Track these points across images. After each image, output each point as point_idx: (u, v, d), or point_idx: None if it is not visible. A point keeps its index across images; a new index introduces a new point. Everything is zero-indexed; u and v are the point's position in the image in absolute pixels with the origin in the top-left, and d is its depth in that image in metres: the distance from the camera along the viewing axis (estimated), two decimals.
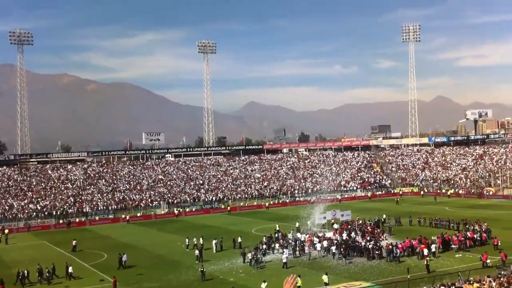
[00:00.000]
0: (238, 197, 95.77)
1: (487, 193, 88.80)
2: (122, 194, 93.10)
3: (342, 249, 44.62)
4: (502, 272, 34.57)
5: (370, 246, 45.31)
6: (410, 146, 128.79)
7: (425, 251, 42.59)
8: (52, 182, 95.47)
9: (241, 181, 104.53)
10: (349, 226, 54.93)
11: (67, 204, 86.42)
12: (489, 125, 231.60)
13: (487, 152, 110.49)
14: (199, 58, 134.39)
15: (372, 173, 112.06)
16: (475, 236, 47.48)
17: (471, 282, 30.11)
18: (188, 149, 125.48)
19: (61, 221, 79.49)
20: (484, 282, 29.58)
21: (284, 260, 43.21)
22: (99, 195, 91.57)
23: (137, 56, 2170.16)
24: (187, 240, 53.39)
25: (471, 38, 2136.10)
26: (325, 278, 36.18)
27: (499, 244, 43.50)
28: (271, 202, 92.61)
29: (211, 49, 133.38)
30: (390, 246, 44.01)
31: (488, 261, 38.54)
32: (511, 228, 55.00)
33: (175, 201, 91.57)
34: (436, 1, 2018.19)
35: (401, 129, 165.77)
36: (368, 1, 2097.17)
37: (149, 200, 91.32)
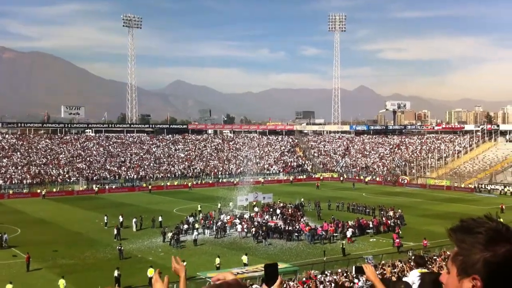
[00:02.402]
0: (160, 176, 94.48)
1: (403, 181, 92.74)
2: (38, 168, 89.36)
3: (262, 231, 45.19)
4: (413, 257, 36.24)
5: (289, 228, 46.20)
6: (332, 133, 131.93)
7: (348, 233, 44.04)
8: None
9: (164, 160, 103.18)
10: (270, 209, 55.76)
11: None
12: (407, 116, 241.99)
13: (404, 142, 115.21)
14: (124, 32, 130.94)
15: (295, 157, 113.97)
16: (389, 222, 49.51)
17: (384, 265, 31.40)
18: (110, 125, 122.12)
19: None
20: (397, 265, 30.91)
21: (194, 238, 43.59)
22: (13, 168, 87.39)
23: (59, 25, 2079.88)
24: (105, 217, 52.12)
25: (393, 32, 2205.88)
26: (244, 258, 36.54)
27: (400, 232, 45.63)
28: (194, 183, 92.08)
29: (136, 24, 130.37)
30: (309, 228, 45.11)
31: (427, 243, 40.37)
32: (423, 215, 57.78)
33: (95, 178, 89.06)
34: None
35: (325, 115, 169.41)
36: None
37: (67, 175, 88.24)
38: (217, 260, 35.67)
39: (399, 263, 32.57)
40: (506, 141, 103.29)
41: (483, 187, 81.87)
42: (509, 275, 1.79)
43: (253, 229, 45.93)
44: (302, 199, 63.47)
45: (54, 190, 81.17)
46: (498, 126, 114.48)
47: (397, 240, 41.75)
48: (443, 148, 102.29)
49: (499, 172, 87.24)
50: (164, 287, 3.80)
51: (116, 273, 32.17)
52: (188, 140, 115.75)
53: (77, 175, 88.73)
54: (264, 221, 49.26)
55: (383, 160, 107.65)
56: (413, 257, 35.84)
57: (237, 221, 49.22)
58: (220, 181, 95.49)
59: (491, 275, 1.78)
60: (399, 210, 54.27)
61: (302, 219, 50.65)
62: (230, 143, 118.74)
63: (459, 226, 1.97)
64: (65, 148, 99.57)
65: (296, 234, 45.28)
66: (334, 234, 45.18)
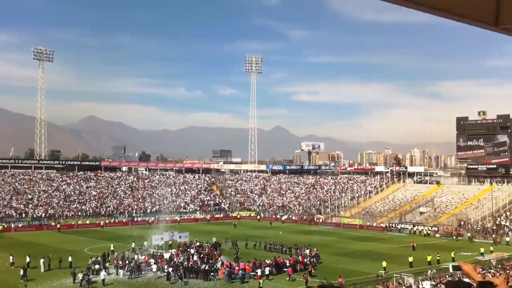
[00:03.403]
0: (71, 215, 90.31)
1: (318, 220, 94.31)
2: None
3: (178, 271, 44.03)
4: None
5: (206, 267, 45.33)
6: (249, 172, 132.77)
7: (258, 272, 43.74)
8: None
9: (75, 198, 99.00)
10: (187, 248, 54.61)
11: None
12: (321, 157, 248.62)
13: (319, 182, 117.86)
14: (34, 65, 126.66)
15: (212, 196, 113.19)
16: (305, 260, 49.87)
17: None
18: (17, 161, 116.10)
19: None
20: None
21: (102, 278, 41.97)
22: None
23: None
24: (11, 257, 48.85)
25: (307, 75, 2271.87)
26: None
27: (313, 271, 46.27)
28: (107, 221, 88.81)
29: (47, 57, 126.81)
30: (227, 268, 44.49)
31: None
32: (337, 253, 58.74)
33: None
34: (278, 37, 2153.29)
35: (242, 154, 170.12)
36: (213, 29, 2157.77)
37: None
38: None
39: None
40: (414, 183, 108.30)
41: (394, 226, 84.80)
42: None
43: (166, 269, 44.63)
44: (214, 238, 62.63)
45: None
46: (406, 168, 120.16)
47: (305, 275, 42.07)
48: (355, 188, 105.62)
49: (408, 212, 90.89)
50: None
51: None
52: (101, 177, 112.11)
53: None
54: (180, 261, 48.01)
55: (299, 199, 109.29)
56: None
57: (152, 260, 47.72)
58: (134, 220, 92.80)
59: None
60: (315, 249, 54.89)
61: (219, 258, 49.92)
62: (145, 181, 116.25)
63: None
64: None
65: (212, 274, 44.50)
66: (252, 273, 44.81)
